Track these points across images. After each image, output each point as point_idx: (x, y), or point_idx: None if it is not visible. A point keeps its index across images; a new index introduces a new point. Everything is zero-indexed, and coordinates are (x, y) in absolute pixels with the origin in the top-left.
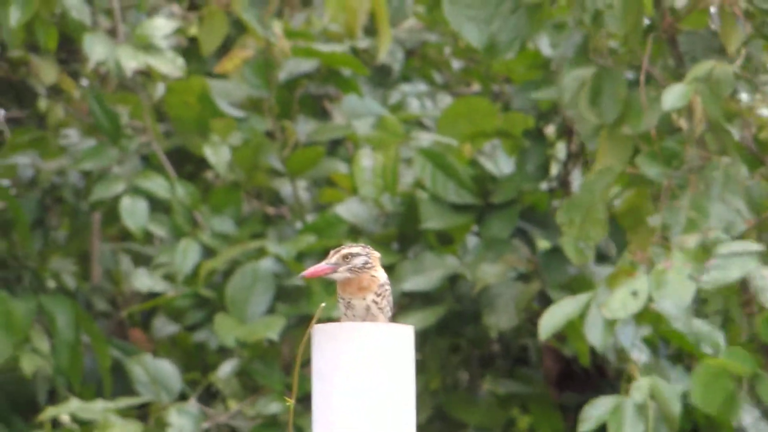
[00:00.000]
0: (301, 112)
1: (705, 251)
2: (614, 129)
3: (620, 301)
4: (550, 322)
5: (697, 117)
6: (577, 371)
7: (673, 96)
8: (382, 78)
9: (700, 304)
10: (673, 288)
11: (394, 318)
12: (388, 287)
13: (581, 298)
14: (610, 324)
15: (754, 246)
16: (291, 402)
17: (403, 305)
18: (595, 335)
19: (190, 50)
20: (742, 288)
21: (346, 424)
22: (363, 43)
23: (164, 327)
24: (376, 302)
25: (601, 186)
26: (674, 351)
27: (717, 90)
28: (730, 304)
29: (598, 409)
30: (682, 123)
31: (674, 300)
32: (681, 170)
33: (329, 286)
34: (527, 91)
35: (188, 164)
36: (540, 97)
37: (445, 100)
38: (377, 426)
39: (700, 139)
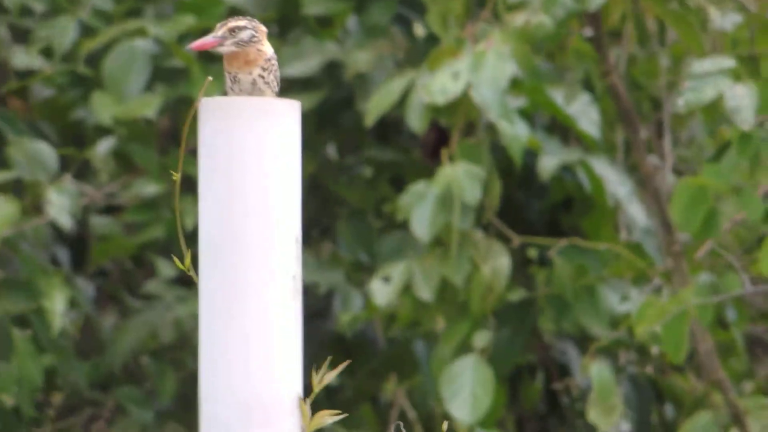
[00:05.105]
0: None
1: (527, 34)
2: None
3: (440, 83)
4: (376, 106)
5: None
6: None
7: None
8: None
9: (560, 71)
10: (490, 71)
11: None
12: (274, 62)
13: (403, 80)
14: (431, 108)
15: (726, 62)
16: (177, 176)
17: (283, 89)
18: (414, 119)
19: None
20: (601, 60)
21: (232, 198)
22: None
23: (41, 92)
24: (262, 77)
25: None
26: (550, 121)
27: None
28: (590, 74)
29: (409, 196)
30: None
31: (489, 85)
32: None
33: (209, 67)
34: None
35: None
36: None
37: None
38: (265, 201)
39: None
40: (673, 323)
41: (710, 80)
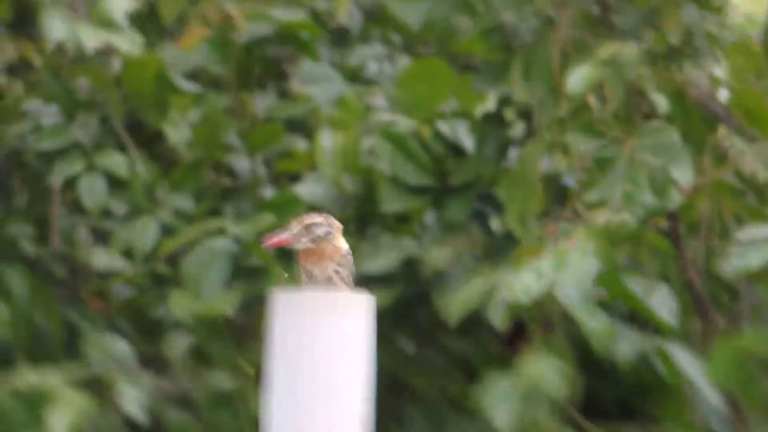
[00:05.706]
0: (260, 77)
1: (610, 232)
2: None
3: (523, 283)
4: (459, 307)
5: (606, 97)
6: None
7: (577, 79)
8: (340, 40)
9: (637, 263)
10: (574, 270)
11: None
12: (350, 257)
13: (487, 281)
14: (513, 307)
15: None
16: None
17: (360, 284)
18: (496, 317)
19: (149, 18)
20: (679, 254)
21: (303, 394)
22: (322, 4)
23: (122, 290)
24: (337, 272)
25: (535, 159)
26: (628, 311)
27: (621, 73)
28: (667, 269)
29: (492, 390)
30: (592, 102)
31: (573, 284)
32: (607, 141)
33: (289, 264)
34: (486, 75)
35: (144, 132)
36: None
37: (404, 61)
38: (334, 395)
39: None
40: None
41: (756, 247)
